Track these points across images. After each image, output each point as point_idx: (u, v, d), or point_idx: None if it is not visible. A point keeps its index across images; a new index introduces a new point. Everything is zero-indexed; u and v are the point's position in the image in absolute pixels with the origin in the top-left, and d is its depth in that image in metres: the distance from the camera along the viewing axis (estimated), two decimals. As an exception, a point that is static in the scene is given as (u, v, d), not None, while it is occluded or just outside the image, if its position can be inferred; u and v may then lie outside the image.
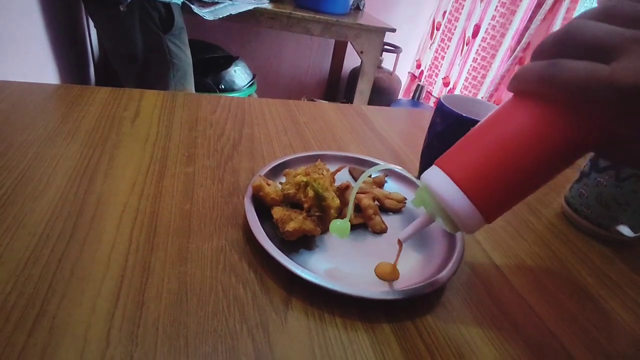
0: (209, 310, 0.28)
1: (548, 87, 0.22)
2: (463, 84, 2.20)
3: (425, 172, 0.28)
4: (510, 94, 0.26)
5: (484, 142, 0.26)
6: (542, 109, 0.23)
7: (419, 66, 2.50)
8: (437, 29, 2.36)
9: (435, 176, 0.27)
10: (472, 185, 0.25)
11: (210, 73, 1.65)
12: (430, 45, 2.40)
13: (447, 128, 0.44)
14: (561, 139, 0.23)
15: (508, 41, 1.97)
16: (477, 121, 0.41)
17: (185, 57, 1.12)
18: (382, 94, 2.15)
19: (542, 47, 0.24)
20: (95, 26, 1.15)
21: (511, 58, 1.88)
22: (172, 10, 1.04)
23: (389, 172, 0.48)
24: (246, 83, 1.75)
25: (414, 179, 0.47)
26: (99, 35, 1.20)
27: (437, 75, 2.41)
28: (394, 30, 1.68)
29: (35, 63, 1.02)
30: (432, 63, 2.43)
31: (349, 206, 0.34)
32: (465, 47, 2.19)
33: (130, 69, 1.07)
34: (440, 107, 0.45)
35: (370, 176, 0.48)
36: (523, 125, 0.24)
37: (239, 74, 1.73)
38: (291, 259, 0.32)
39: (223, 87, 1.66)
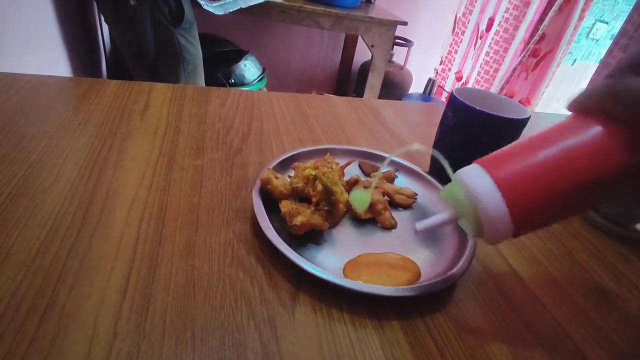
0: (216, 304, 0.28)
1: (612, 104, 0.21)
2: (476, 78, 2.16)
3: (463, 168, 0.27)
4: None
5: (536, 152, 0.25)
6: (604, 127, 0.23)
7: (442, 62, 2.47)
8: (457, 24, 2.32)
9: (475, 174, 0.26)
10: (513, 192, 0.24)
11: (220, 67, 1.65)
12: (450, 41, 2.36)
13: (460, 122, 0.43)
14: (619, 158, 0.22)
15: (521, 34, 1.93)
16: (490, 115, 0.40)
17: (195, 51, 1.12)
18: (392, 88, 2.12)
19: (617, 66, 0.23)
20: (106, 21, 1.15)
21: (525, 50, 1.84)
22: (182, 4, 1.03)
23: (400, 167, 0.47)
24: (256, 77, 1.74)
25: (425, 174, 0.46)
26: (110, 31, 1.20)
27: (449, 69, 2.37)
28: (405, 24, 1.65)
29: (48, 56, 1.03)
30: (446, 57, 2.39)
31: (373, 182, 0.33)
32: (479, 41, 2.15)
33: (141, 63, 1.07)
34: (452, 100, 0.44)
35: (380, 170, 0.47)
36: (581, 141, 0.23)
37: (249, 68, 1.73)
38: (299, 253, 0.31)
39: (233, 81, 1.66)
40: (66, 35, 1.13)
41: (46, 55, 1.02)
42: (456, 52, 2.31)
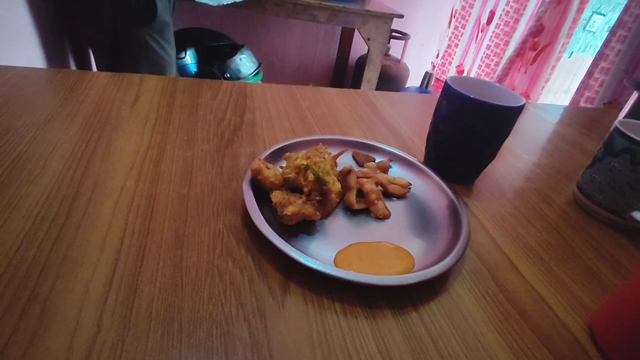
0: (204, 295, 0.27)
1: None
2: (477, 72, 2.15)
3: None
4: None
5: None
6: None
7: (439, 56, 2.45)
8: (454, 17, 2.31)
9: None
10: None
11: (215, 61, 1.63)
12: (449, 34, 2.35)
13: (454, 110, 0.42)
14: None
15: (522, 27, 1.93)
16: (484, 103, 0.40)
17: (165, 54, 1.03)
18: (389, 82, 2.11)
19: None
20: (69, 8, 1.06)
21: (522, 42, 1.83)
22: (156, 1, 0.95)
23: (394, 157, 0.47)
24: (252, 71, 1.73)
25: (419, 164, 0.46)
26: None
27: (450, 63, 2.36)
28: (401, 16, 1.64)
29: (37, 52, 1.02)
30: (446, 51, 2.38)
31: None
32: (480, 34, 2.14)
33: (102, 56, 1.01)
34: (446, 89, 0.43)
35: (374, 161, 0.46)
36: None
37: (245, 63, 1.71)
38: (290, 244, 0.31)
39: (228, 75, 1.65)
40: (53, 29, 1.11)
41: (35, 51, 1.00)
42: (457, 45, 2.30)
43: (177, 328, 0.25)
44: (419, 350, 0.26)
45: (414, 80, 2.36)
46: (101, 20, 0.94)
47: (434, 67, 2.46)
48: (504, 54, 2.02)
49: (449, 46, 2.36)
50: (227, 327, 0.25)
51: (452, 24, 2.32)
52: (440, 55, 2.41)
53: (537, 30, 1.80)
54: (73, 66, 1.28)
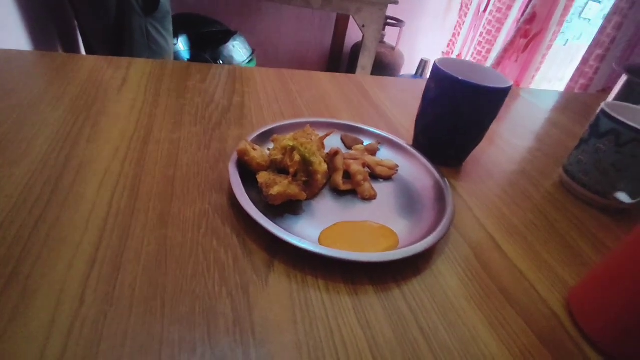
0: (188, 273, 0.27)
1: None
2: (469, 59, 2.15)
3: None
4: None
5: None
6: None
7: (449, 44, 2.43)
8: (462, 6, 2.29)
9: None
10: None
11: (208, 48, 1.61)
12: (454, 23, 2.33)
13: (441, 92, 0.42)
14: None
15: (514, 14, 1.92)
16: (472, 84, 0.40)
17: (166, 45, 1.04)
18: (384, 70, 2.10)
19: None
20: None
21: (516, 30, 1.82)
22: None
23: (383, 140, 0.47)
24: (245, 58, 1.71)
25: (407, 146, 0.46)
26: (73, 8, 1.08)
27: (452, 52, 2.35)
28: (396, 2, 1.62)
29: (25, 36, 1.00)
30: (450, 40, 2.36)
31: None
32: (478, 22, 2.13)
33: (103, 46, 1.01)
34: (434, 71, 0.43)
35: (362, 143, 0.46)
36: None
37: (238, 49, 1.69)
38: (275, 223, 0.31)
39: (222, 62, 1.63)
40: (41, 16, 1.08)
41: (22, 37, 0.98)
42: (459, 34, 2.28)
43: (160, 304, 0.25)
44: (399, 324, 0.27)
45: (409, 68, 2.35)
46: (106, 12, 0.93)
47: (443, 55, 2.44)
48: (495, 41, 2.02)
49: (453, 35, 2.34)
50: (210, 302, 0.26)
51: (460, 12, 2.29)
52: (445, 44, 2.39)
53: (530, 17, 1.79)
54: (61, 51, 1.26)
